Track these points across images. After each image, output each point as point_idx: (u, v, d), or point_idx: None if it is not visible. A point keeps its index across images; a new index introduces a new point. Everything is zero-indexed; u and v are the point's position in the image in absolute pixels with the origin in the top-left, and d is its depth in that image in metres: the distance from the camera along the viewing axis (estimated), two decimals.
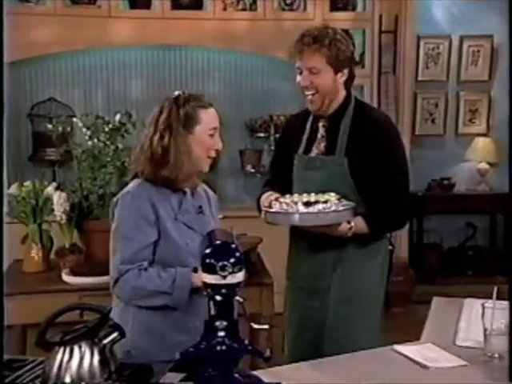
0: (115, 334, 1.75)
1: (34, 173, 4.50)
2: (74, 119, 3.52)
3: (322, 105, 2.41)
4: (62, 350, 1.71)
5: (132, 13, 4.67)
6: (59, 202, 3.25)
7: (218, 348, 1.66)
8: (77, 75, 4.95)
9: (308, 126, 2.51)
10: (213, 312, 1.68)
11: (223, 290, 1.65)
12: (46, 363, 1.71)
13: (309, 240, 2.46)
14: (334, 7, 4.89)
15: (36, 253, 3.23)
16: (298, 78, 2.43)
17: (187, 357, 1.67)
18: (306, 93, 2.41)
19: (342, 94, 2.43)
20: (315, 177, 2.42)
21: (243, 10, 4.84)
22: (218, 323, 1.68)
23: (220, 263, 1.63)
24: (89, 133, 3.47)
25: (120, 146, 3.55)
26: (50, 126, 3.68)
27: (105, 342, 1.72)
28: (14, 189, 3.30)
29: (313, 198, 2.26)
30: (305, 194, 2.29)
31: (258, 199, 2.61)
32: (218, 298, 1.65)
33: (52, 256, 3.28)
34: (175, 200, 2.15)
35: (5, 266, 3.35)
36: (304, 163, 2.49)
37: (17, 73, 4.81)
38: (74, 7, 4.60)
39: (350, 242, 2.39)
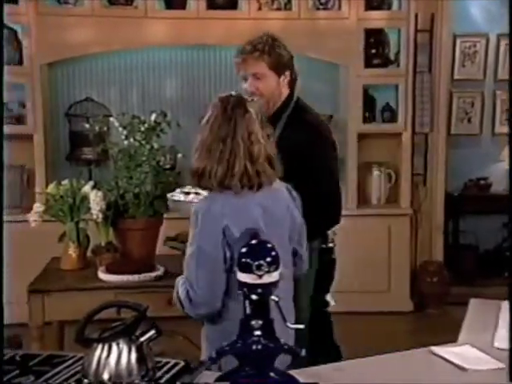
0: (152, 332, 1.77)
1: (71, 172, 4.55)
2: (111, 119, 3.56)
3: (268, 108, 2.55)
4: (100, 346, 1.73)
5: (168, 13, 4.70)
6: (96, 200, 3.29)
7: (254, 347, 1.67)
8: (113, 75, 5.01)
9: None
10: (248, 311, 1.68)
11: (259, 290, 1.65)
12: (85, 359, 1.74)
13: None
14: (369, 6, 4.86)
15: (73, 251, 3.27)
16: (244, 84, 2.58)
17: (223, 355, 1.68)
18: (252, 97, 2.51)
19: (285, 95, 2.61)
20: None
21: (278, 9, 4.84)
22: (253, 322, 1.68)
23: (256, 262, 1.64)
24: (125, 132, 3.50)
25: (155, 145, 3.58)
26: (86, 126, 3.72)
27: (142, 339, 1.74)
28: (51, 188, 3.34)
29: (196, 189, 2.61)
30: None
31: None
32: (254, 297, 1.66)
33: (88, 254, 3.31)
34: None
35: (43, 264, 3.41)
36: None
37: (54, 73, 4.88)
38: (111, 8, 4.65)
39: None
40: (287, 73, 2.61)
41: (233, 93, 2.16)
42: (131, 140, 3.50)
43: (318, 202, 2.45)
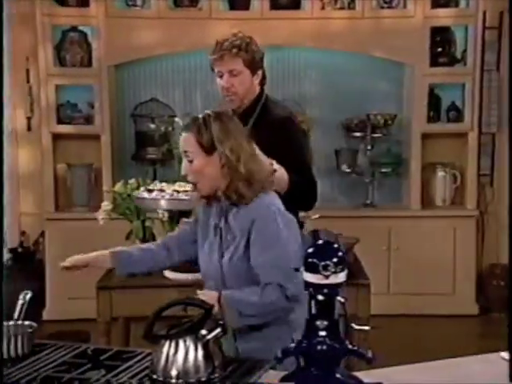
0: (218, 330, 1.79)
1: (137, 171, 4.64)
2: (176, 119, 3.61)
3: (241, 104, 2.67)
4: (167, 343, 1.76)
5: (231, 14, 4.73)
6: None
7: (319, 347, 1.66)
8: (177, 76, 5.08)
9: None
10: (314, 311, 1.68)
11: (325, 290, 1.65)
12: (153, 356, 1.77)
13: None
14: (435, 3, 4.78)
15: None
16: (220, 80, 2.67)
17: (288, 355, 1.68)
18: (227, 93, 2.66)
19: (257, 93, 2.70)
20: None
21: (341, 8, 4.81)
22: (318, 322, 1.68)
23: (323, 263, 1.63)
24: None
25: None
26: (152, 126, 3.79)
27: (208, 337, 1.76)
28: (119, 186, 3.41)
29: (165, 187, 2.78)
30: (167, 185, 2.82)
31: None
32: (320, 297, 1.65)
33: None
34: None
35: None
36: None
37: (121, 75, 4.99)
38: (176, 10, 4.72)
39: None
40: (260, 72, 2.69)
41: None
42: None
43: (295, 191, 2.56)
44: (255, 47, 2.68)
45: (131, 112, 5.02)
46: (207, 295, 2.02)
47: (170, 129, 3.77)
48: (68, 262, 2.24)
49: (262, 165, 2.15)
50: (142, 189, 2.83)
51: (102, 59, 4.69)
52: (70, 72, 4.73)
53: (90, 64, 4.74)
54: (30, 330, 2.00)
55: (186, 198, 2.73)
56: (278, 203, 2.13)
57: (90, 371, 1.80)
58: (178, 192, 2.80)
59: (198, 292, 2.07)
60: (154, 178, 4.35)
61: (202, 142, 2.04)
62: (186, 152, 2.07)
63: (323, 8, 4.77)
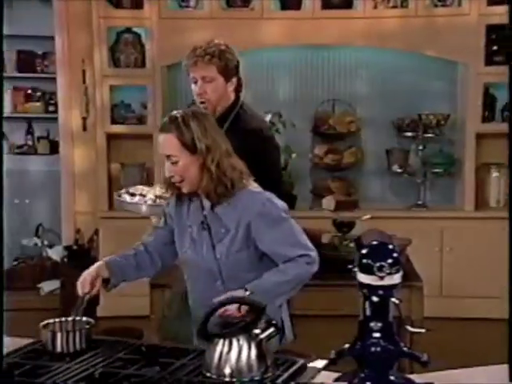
0: (271, 330, 1.79)
1: None
2: None
3: (215, 111, 2.65)
4: (221, 342, 1.78)
5: (283, 13, 4.74)
6: None
7: (373, 349, 1.65)
8: None
9: None
10: (368, 313, 1.67)
11: (380, 291, 1.64)
12: (207, 354, 1.79)
13: None
14: (491, 1, 4.68)
15: None
16: (194, 86, 2.69)
17: (342, 356, 1.68)
18: (201, 100, 2.66)
19: (231, 100, 2.69)
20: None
21: (394, 7, 4.76)
22: (372, 324, 1.67)
23: (377, 264, 1.62)
24: None
25: None
26: None
27: (261, 336, 1.77)
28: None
29: (146, 191, 2.76)
30: (148, 189, 2.81)
31: None
32: (375, 298, 1.65)
33: None
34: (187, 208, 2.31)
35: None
36: None
37: (173, 75, 5.04)
38: (228, 10, 4.75)
39: None
40: (234, 79, 2.70)
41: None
42: None
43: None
44: (229, 55, 2.70)
45: None
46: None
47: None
48: (82, 288, 2.18)
49: (236, 164, 2.17)
50: (123, 190, 2.81)
51: (155, 60, 4.75)
52: (124, 73, 4.81)
53: (143, 65, 4.81)
54: (86, 326, 2.05)
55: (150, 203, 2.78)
56: (265, 191, 2.21)
57: (145, 368, 1.83)
58: (159, 198, 2.78)
59: (217, 300, 1.98)
60: None
61: (184, 142, 2.07)
62: (169, 155, 2.09)
63: (375, 7, 4.73)
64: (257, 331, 1.78)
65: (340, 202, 3.58)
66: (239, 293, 2.07)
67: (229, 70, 2.68)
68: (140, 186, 2.88)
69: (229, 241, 2.16)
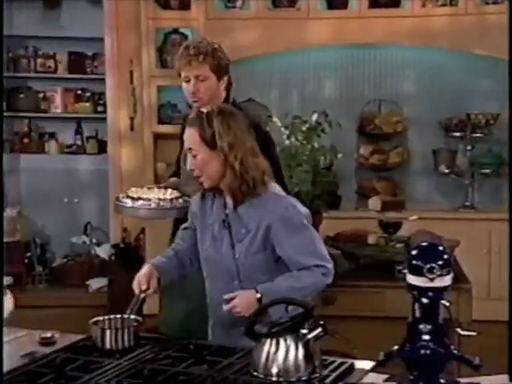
0: (319, 330, 1.79)
1: None
2: (274, 119, 3.64)
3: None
4: (268, 341, 1.78)
5: (330, 13, 4.72)
6: None
7: (422, 352, 1.64)
8: (274, 76, 5.11)
9: None
10: (417, 314, 1.65)
11: (430, 293, 1.62)
12: (254, 353, 1.79)
13: None
14: None
15: None
16: (186, 85, 2.67)
17: (391, 358, 1.66)
18: (194, 99, 2.66)
19: (223, 99, 2.69)
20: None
21: (443, 5, 4.70)
22: (422, 326, 1.65)
23: (428, 265, 1.60)
24: (287, 132, 3.57)
25: (316, 145, 3.62)
26: None
27: (309, 336, 1.77)
28: None
29: (147, 194, 2.61)
30: (146, 191, 2.65)
31: None
32: (424, 300, 1.63)
33: None
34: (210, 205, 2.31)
35: None
36: (184, 157, 2.70)
37: None
38: (274, 10, 4.76)
39: None
40: (225, 78, 2.71)
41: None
42: (292, 140, 3.57)
43: None
44: (221, 54, 2.70)
45: None
46: (244, 299, 2.08)
47: (267, 129, 3.80)
48: (139, 286, 2.21)
49: (260, 164, 2.15)
50: (121, 195, 2.70)
51: None
52: (171, 73, 4.81)
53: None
54: (135, 324, 2.07)
55: (169, 207, 2.63)
56: (289, 196, 2.24)
57: (193, 366, 1.85)
58: (163, 200, 2.66)
59: (227, 297, 2.10)
60: None
61: (204, 137, 2.11)
62: (190, 148, 2.14)
63: (424, 5, 4.68)
64: (304, 331, 1.77)
65: (386, 202, 3.55)
66: (250, 293, 2.09)
67: (221, 69, 2.68)
68: (135, 189, 2.74)
69: (248, 241, 2.15)
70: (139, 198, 2.62)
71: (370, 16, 4.67)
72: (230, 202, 2.19)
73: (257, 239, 2.14)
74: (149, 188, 2.73)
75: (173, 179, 2.91)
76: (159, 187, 2.73)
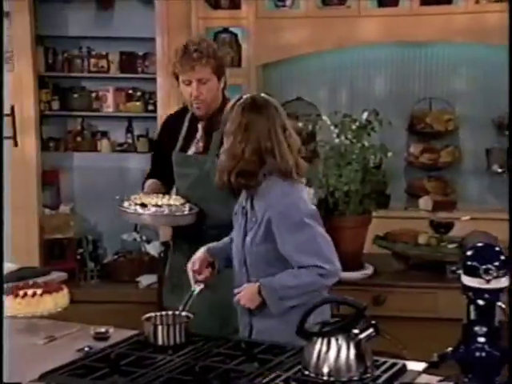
0: (371, 330, 1.78)
1: None
2: (324, 117, 3.63)
3: (209, 110, 2.67)
4: (319, 340, 1.78)
5: (380, 11, 4.66)
6: (307, 197, 3.38)
7: (477, 354, 1.62)
8: (323, 75, 5.09)
9: (185, 125, 2.78)
10: (473, 316, 1.63)
11: (486, 295, 1.60)
12: (305, 352, 1.79)
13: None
14: None
15: None
16: (186, 88, 2.64)
17: (445, 359, 1.64)
18: (196, 101, 2.64)
19: (220, 99, 2.69)
20: (190, 173, 2.70)
21: (498, 1, 4.59)
22: (477, 328, 1.63)
23: (484, 266, 1.58)
24: (336, 131, 3.56)
25: (366, 143, 3.59)
26: (300, 124, 3.82)
27: (361, 336, 1.76)
28: None
29: (154, 200, 2.56)
30: (153, 198, 2.59)
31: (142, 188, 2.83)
32: (480, 302, 1.61)
33: None
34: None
35: None
36: (180, 160, 2.76)
37: (268, 74, 5.08)
38: (324, 9, 4.73)
39: None
40: (223, 77, 2.70)
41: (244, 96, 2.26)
42: (342, 138, 3.55)
43: None
44: (220, 53, 2.72)
45: None
46: (247, 291, 2.17)
47: (317, 127, 3.78)
48: (192, 267, 2.31)
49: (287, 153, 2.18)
50: (126, 204, 2.64)
51: (251, 59, 4.80)
52: None
53: (239, 64, 4.87)
54: (185, 321, 2.10)
55: (168, 213, 2.60)
56: (300, 191, 2.23)
57: (244, 363, 1.86)
58: (159, 206, 2.60)
59: (236, 291, 2.21)
60: None
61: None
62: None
63: (477, 2, 4.58)
64: (356, 331, 1.77)
65: (437, 202, 3.51)
66: (252, 286, 2.16)
67: (221, 70, 2.69)
68: (137, 196, 2.70)
69: (255, 231, 2.20)
70: (151, 205, 2.57)
71: (422, 13, 4.59)
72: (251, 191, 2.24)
73: (260, 230, 2.18)
74: (145, 194, 2.69)
75: (153, 182, 2.83)
76: (156, 193, 2.69)
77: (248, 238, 2.21)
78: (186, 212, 2.62)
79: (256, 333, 2.21)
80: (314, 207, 2.25)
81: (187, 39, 2.74)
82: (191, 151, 2.76)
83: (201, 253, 2.33)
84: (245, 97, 2.26)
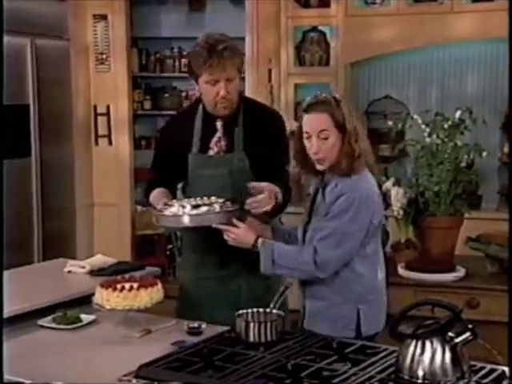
0: (467, 334, 1.74)
1: None
2: (415, 116, 3.56)
3: (232, 108, 2.58)
4: (413, 343, 1.75)
5: (475, 6, 4.53)
6: (397, 197, 3.34)
7: None
8: (412, 72, 5.00)
9: (198, 125, 2.63)
10: None
11: None
12: (399, 354, 1.77)
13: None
14: None
15: None
16: (211, 88, 2.51)
17: None
18: (223, 100, 2.52)
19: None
20: (215, 174, 2.57)
21: None
22: None
23: None
24: (428, 129, 3.48)
25: (459, 142, 3.50)
26: (389, 123, 3.76)
27: (457, 340, 1.72)
28: None
29: (198, 201, 2.40)
30: (192, 199, 2.42)
31: (147, 197, 2.69)
32: None
33: (387, 250, 3.36)
34: None
35: None
36: (201, 162, 2.62)
37: (356, 72, 5.03)
38: (416, 5, 4.64)
39: None
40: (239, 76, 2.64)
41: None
42: (433, 137, 3.47)
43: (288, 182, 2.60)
44: (239, 49, 2.64)
45: (365, 109, 5.05)
46: (243, 233, 2.32)
47: (407, 126, 3.72)
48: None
49: (369, 147, 2.30)
50: (159, 206, 2.46)
51: (339, 58, 4.77)
52: (309, 71, 4.88)
53: (327, 63, 4.85)
54: (277, 318, 2.11)
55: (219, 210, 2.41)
56: (370, 187, 2.27)
57: (336, 363, 1.85)
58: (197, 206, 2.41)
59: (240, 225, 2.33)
60: (386, 176, 4.34)
61: (337, 120, 2.21)
62: (321, 131, 2.20)
63: None
64: (451, 334, 1.73)
65: None
66: (251, 236, 2.32)
67: (242, 66, 2.66)
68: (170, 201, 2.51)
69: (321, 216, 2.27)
70: (202, 205, 2.39)
71: None
72: (323, 182, 2.29)
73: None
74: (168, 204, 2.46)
75: (162, 192, 2.62)
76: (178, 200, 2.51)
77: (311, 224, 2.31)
78: (236, 207, 2.43)
79: (308, 315, 2.31)
80: (372, 201, 2.29)
81: (205, 37, 2.58)
82: (213, 151, 2.62)
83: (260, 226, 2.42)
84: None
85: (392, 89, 5.02)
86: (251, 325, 2.06)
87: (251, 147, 2.58)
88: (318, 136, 2.21)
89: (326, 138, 2.21)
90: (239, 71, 2.60)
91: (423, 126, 3.50)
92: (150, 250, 5.23)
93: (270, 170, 2.54)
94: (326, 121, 2.21)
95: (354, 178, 2.23)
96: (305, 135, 2.25)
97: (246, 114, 2.62)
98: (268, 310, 2.17)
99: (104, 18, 4.87)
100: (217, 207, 2.38)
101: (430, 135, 3.48)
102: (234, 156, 2.58)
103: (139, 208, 5.33)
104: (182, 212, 2.37)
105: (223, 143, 2.61)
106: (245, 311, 2.16)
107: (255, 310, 2.18)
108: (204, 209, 2.37)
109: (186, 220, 2.38)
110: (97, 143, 5.19)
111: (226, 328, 2.17)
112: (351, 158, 2.21)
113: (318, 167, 2.27)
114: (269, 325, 2.06)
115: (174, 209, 2.39)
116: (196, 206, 2.38)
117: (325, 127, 2.21)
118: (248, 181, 2.48)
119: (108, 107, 5.10)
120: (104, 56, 4.98)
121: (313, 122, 2.23)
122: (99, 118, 5.11)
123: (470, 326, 1.74)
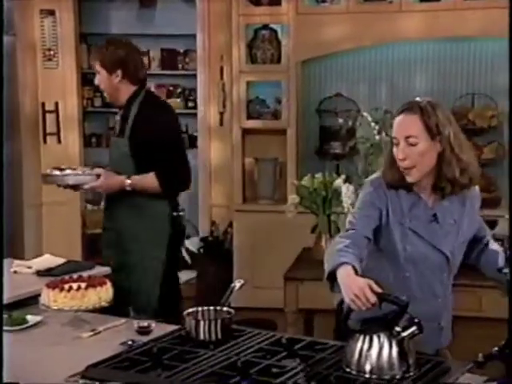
0: (413, 329, 1.76)
1: (318, 165, 4.69)
2: (364, 113, 3.60)
3: (111, 99, 3.05)
4: (361, 338, 1.77)
5: (423, 6, 4.60)
6: (347, 194, 3.36)
7: None
8: (362, 70, 5.04)
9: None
10: None
11: None
12: (347, 349, 1.79)
13: None
14: None
15: (325, 242, 3.37)
16: None
17: (491, 359, 1.62)
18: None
19: (130, 88, 2.95)
20: (111, 155, 3.07)
21: None
22: None
23: None
24: (377, 127, 3.52)
25: None
26: (340, 121, 3.80)
27: (403, 334, 1.75)
28: (306, 180, 3.48)
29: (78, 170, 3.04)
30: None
31: None
32: None
33: None
34: (407, 203, 2.10)
35: (295, 253, 3.57)
36: (110, 143, 3.20)
37: (307, 70, 5.06)
38: (365, 4, 4.68)
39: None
40: (119, 71, 2.93)
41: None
42: (383, 135, 3.52)
43: (173, 170, 2.93)
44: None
45: (316, 107, 5.08)
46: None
47: (357, 124, 3.76)
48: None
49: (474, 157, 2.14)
50: (48, 170, 3.05)
51: (290, 55, 4.79)
52: (261, 69, 4.89)
53: (279, 60, 4.86)
54: (227, 316, 2.11)
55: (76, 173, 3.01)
56: None
57: (285, 359, 1.86)
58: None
59: None
60: (337, 173, 4.38)
61: (428, 125, 2.00)
62: (408, 136, 2.01)
63: None
64: (398, 329, 1.76)
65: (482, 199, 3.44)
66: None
67: (111, 63, 2.92)
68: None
69: (455, 232, 2.13)
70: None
71: (466, 8, 4.52)
72: (427, 198, 2.10)
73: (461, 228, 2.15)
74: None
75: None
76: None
77: (450, 243, 2.15)
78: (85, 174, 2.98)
79: None
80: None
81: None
82: (114, 136, 3.16)
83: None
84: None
85: (343, 87, 5.06)
86: (201, 323, 2.05)
87: (136, 136, 2.93)
88: (405, 141, 2.01)
89: (414, 145, 2.01)
90: (104, 66, 2.93)
91: (373, 124, 3.54)
92: (101, 249, 5.16)
93: (148, 160, 2.89)
94: (415, 125, 2.00)
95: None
96: (394, 141, 2.06)
97: (140, 106, 2.96)
98: (218, 307, 2.16)
99: (51, 13, 4.78)
100: (80, 172, 2.99)
101: (379, 133, 3.52)
102: (121, 141, 2.97)
103: (89, 206, 5.25)
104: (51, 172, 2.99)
105: (117, 128, 3.05)
106: (194, 309, 2.14)
107: (205, 308, 2.17)
108: (66, 171, 2.96)
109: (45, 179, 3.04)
110: (45, 141, 5.10)
111: (175, 327, 2.15)
112: (450, 170, 2.03)
113: (408, 179, 2.04)
114: (219, 322, 2.05)
115: (57, 172, 2.98)
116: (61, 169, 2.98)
117: (413, 132, 2.00)
118: (129, 164, 2.92)
119: (57, 104, 5.02)
120: (52, 52, 4.89)
121: (400, 126, 2.04)
122: (47, 115, 5.02)
123: (416, 321, 1.77)
